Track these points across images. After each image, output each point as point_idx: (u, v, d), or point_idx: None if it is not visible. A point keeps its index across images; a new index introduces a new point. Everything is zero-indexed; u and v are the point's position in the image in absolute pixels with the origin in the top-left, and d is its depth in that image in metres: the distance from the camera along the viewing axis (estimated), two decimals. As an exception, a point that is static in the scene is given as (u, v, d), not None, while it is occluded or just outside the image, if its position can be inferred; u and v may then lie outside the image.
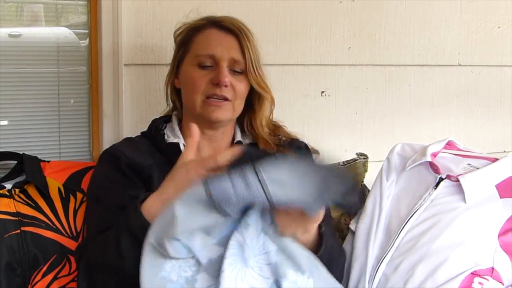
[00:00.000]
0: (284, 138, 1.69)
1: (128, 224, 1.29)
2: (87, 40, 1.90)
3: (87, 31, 1.90)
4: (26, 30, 1.88)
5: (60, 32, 1.90)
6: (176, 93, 1.66)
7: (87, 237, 1.51)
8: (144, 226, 1.21)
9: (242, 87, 1.57)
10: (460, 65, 2.38)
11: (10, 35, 1.85)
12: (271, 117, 1.69)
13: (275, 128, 1.70)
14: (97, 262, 1.37)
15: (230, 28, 1.58)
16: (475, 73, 2.41)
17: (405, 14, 2.28)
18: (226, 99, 1.54)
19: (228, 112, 1.56)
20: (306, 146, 1.71)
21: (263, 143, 1.64)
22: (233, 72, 1.56)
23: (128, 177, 1.51)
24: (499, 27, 2.41)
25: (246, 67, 1.57)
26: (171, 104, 1.70)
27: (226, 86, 1.52)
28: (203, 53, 1.55)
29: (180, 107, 1.66)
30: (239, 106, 1.59)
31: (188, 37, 1.60)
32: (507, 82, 2.46)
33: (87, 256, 1.41)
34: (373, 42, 2.24)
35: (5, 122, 1.86)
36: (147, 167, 1.52)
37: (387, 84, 2.30)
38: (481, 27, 2.39)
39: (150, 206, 1.28)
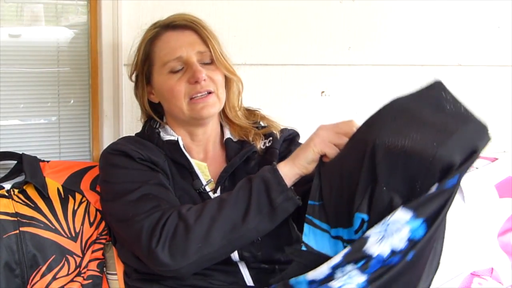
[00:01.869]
0: (262, 123, 1.70)
1: (267, 186, 1.37)
2: (87, 40, 1.90)
3: (87, 31, 1.90)
4: (26, 30, 1.88)
5: (60, 32, 1.90)
6: (151, 106, 1.64)
7: (147, 217, 1.39)
8: (283, 190, 1.36)
9: (218, 76, 1.57)
10: (460, 65, 2.38)
11: (10, 35, 1.86)
12: (240, 101, 1.69)
13: (250, 114, 1.71)
14: (200, 225, 1.35)
15: (184, 24, 1.57)
16: (475, 73, 2.41)
17: (405, 14, 2.27)
18: (209, 92, 1.54)
19: (215, 104, 1.56)
20: (297, 133, 1.71)
21: (238, 128, 1.65)
22: (204, 64, 1.56)
23: (148, 167, 1.51)
24: (499, 27, 2.41)
25: (213, 56, 1.56)
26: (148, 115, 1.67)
27: (204, 80, 1.52)
28: (170, 58, 1.54)
29: (159, 117, 1.64)
30: (222, 94, 1.59)
31: (148, 50, 1.59)
32: (507, 82, 2.46)
33: (181, 223, 1.36)
34: (373, 42, 2.24)
35: (5, 122, 1.86)
36: (161, 162, 1.53)
37: (387, 84, 2.29)
38: (481, 27, 2.39)
39: (285, 174, 1.39)
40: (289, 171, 1.39)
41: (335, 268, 1.20)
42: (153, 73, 1.59)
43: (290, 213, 1.40)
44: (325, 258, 1.34)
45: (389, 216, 1.18)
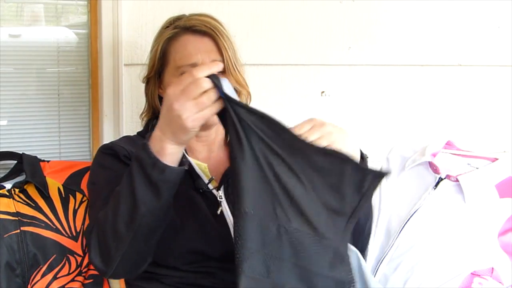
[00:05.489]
0: None
1: (141, 164, 1.29)
2: (87, 40, 1.90)
3: (87, 31, 1.90)
4: (26, 30, 1.88)
5: (60, 32, 1.90)
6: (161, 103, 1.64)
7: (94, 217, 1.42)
8: (155, 163, 1.27)
9: None
10: (460, 65, 2.39)
11: (10, 35, 1.86)
12: None
13: None
14: (108, 223, 1.33)
15: (204, 30, 1.55)
16: (475, 73, 2.41)
17: (405, 14, 2.28)
18: None
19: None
20: None
21: None
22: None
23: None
24: (499, 27, 2.41)
25: (225, 67, 1.53)
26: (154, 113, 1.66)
27: None
28: (184, 63, 1.52)
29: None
30: None
31: (164, 48, 1.58)
32: (507, 82, 2.46)
33: (97, 225, 1.36)
34: (373, 42, 2.24)
35: (5, 122, 1.86)
36: None
37: (387, 84, 2.30)
38: (481, 27, 2.39)
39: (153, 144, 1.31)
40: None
41: None
42: (164, 72, 1.59)
43: (178, 183, 1.33)
44: None
45: None
